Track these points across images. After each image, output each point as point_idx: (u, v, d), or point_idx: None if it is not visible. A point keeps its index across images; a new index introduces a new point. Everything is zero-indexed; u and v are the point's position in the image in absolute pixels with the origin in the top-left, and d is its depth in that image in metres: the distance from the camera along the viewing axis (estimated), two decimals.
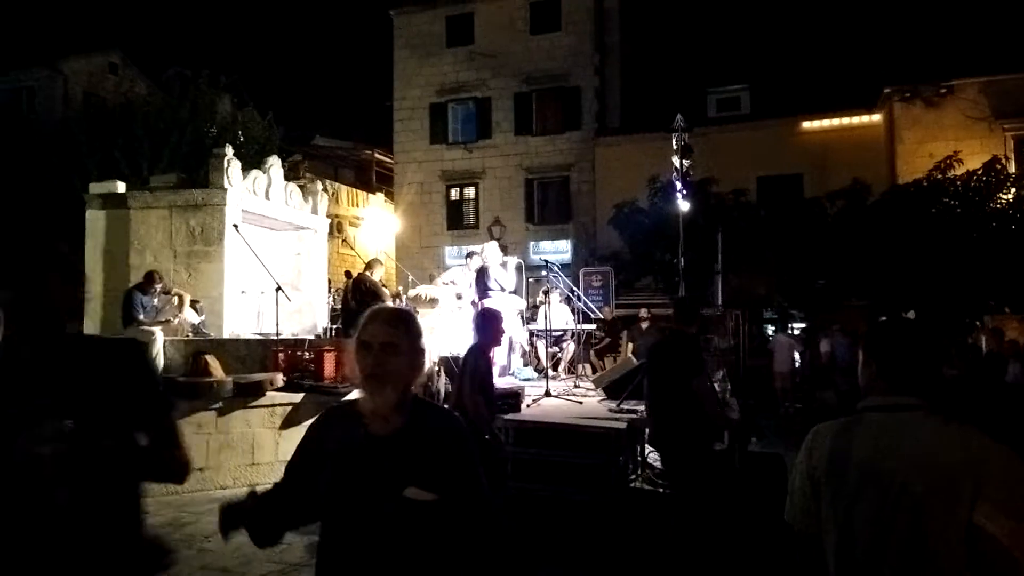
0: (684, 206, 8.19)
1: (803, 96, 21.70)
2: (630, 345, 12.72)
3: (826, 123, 20.93)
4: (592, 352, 12.60)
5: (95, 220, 10.27)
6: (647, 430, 6.36)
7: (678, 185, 8.22)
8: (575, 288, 11.39)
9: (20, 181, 21.50)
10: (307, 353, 8.32)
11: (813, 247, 16.17)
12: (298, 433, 7.71)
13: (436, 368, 8.27)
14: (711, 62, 26.47)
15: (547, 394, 8.45)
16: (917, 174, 16.63)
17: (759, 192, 19.88)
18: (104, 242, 10.27)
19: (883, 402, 2.04)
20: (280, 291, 7.98)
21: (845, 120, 20.80)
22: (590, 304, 11.41)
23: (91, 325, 10.22)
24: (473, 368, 5.31)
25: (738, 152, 20.12)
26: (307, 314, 11.85)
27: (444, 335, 9.48)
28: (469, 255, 10.50)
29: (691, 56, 26.98)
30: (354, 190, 27.99)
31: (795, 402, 14.94)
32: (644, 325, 13.14)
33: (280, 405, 8.17)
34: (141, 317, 8.85)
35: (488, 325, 5.64)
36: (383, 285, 12.34)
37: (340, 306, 12.65)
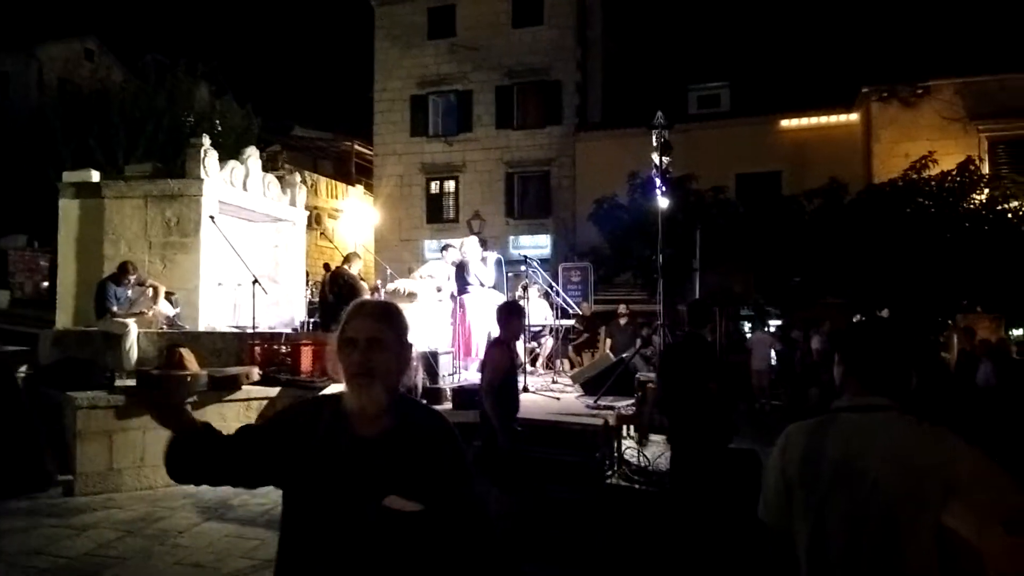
0: (663, 203, 8.20)
1: (782, 94, 21.87)
2: (608, 341, 12.75)
3: (804, 122, 21.11)
4: (570, 348, 12.62)
5: (68, 209, 10.09)
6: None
7: (657, 182, 8.21)
8: (553, 283, 11.39)
9: None
10: (284, 347, 8.27)
11: (790, 245, 16.29)
12: None
13: (414, 363, 8.25)
14: (692, 59, 26.55)
15: (524, 390, 8.46)
16: (893, 173, 16.79)
17: (738, 189, 20.01)
18: (77, 232, 10.09)
19: (855, 402, 2.06)
20: (257, 284, 7.90)
21: (823, 119, 20.98)
22: (568, 299, 11.41)
23: (64, 316, 10.09)
24: (494, 366, 5.15)
25: (717, 149, 20.23)
26: (285, 307, 11.75)
27: (423, 329, 9.45)
28: (444, 247, 10.45)
29: (672, 53, 27.08)
30: (333, 182, 27.83)
31: (772, 399, 15.04)
32: (622, 321, 13.18)
33: (256, 399, 8.10)
34: (115, 309, 8.73)
35: (510, 318, 5.42)
36: (361, 279, 12.27)
37: (318, 299, 12.55)
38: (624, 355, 9.42)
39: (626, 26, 27.12)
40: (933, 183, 15.73)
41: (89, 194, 10.05)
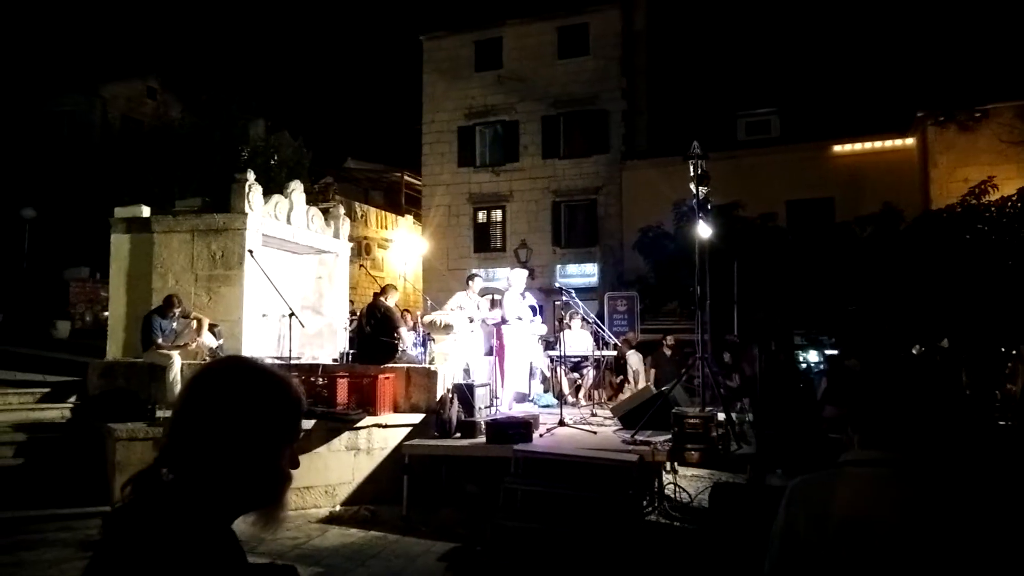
0: (704, 233, 8.04)
1: (834, 120, 21.45)
2: (652, 372, 12.54)
3: (857, 147, 20.64)
4: (610, 376, 12.43)
5: (119, 244, 10.39)
6: None
7: (699, 213, 8.09)
8: (591, 314, 11.28)
9: (60, 203, 22.06)
10: (320, 379, 8.31)
11: (844, 272, 15.86)
12: (308, 460, 7.66)
13: (450, 395, 8.22)
14: (740, 85, 26.29)
15: (561, 423, 8.34)
16: (952, 199, 16.28)
17: (788, 216, 19.62)
18: (128, 265, 10.36)
19: (860, 456, 1.95)
20: (293, 316, 7.98)
21: (877, 144, 20.49)
22: (606, 330, 11.29)
23: (114, 348, 10.34)
24: None
25: (767, 176, 19.94)
26: (328, 338, 11.87)
27: (460, 361, 9.42)
28: (470, 277, 10.43)
29: (720, 79, 26.86)
30: (383, 212, 28.28)
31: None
32: (667, 352, 12.96)
33: None
34: (160, 341, 8.93)
35: None
36: (404, 310, 12.35)
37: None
38: (664, 388, 9.22)
39: (673, 54, 27.06)
40: (993, 208, 15.19)
41: (139, 229, 10.33)
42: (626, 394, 11.38)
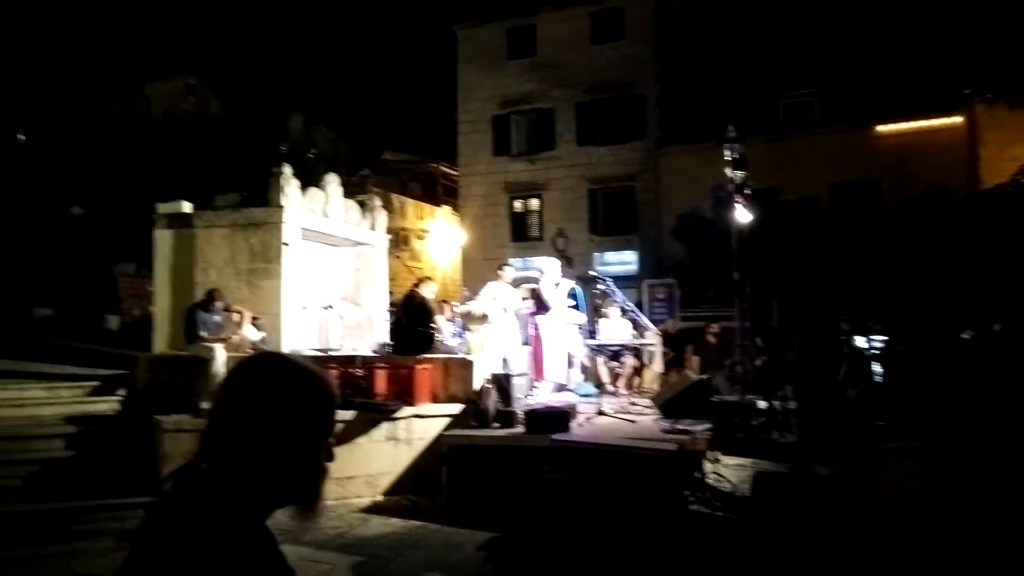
0: (742, 219, 7.93)
1: (877, 99, 20.83)
2: (695, 359, 12.41)
3: (903, 126, 20.10)
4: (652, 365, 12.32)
5: (162, 239, 10.58)
6: None
7: (736, 198, 7.97)
8: (628, 302, 11.19)
9: (107, 200, 22.60)
10: (359, 370, 8.38)
11: (891, 255, 15.49)
12: (349, 451, 7.72)
13: (487, 386, 8.22)
14: (780, 67, 25.63)
15: (600, 412, 8.31)
16: (1002, 178, 15.81)
17: (832, 200, 19.24)
18: (171, 260, 10.55)
19: (899, 445, 1.90)
20: (330, 308, 8.07)
21: (923, 123, 19.93)
22: (642, 318, 11.19)
23: (160, 341, 10.57)
24: None
25: (809, 159, 19.57)
26: (367, 329, 11.98)
27: (497, 351, 9.42)
28: (500, 266, 10.39)
29: (759, 61, 26.24)
30: (420, 203, 28.45)
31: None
32: (711, 339, 12.79)
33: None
34: (203, 334, 9.08)
35: None
36: (441, 301, 12.39)
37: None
38: (705, 376, 9.13)
39: (710, 37, 26.56)
40: None
41: (181, 224, 10.51)
42: (646, 376, 11.32)
